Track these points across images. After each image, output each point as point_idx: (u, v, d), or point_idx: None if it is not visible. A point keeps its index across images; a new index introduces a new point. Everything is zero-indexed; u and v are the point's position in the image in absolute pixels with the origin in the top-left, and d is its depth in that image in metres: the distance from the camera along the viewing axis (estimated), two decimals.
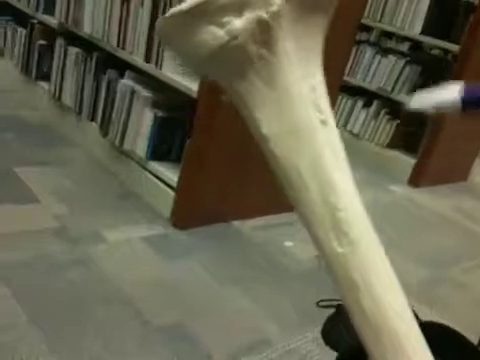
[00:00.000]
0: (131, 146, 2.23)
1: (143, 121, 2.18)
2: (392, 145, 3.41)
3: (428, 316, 1.83)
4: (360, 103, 3.54)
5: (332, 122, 0.50)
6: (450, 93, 0.74)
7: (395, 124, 3.39)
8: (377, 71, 3.44)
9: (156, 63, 2.12)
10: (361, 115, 3.52)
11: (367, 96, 3.52)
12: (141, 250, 1.86)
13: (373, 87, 3.44)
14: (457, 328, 1.79)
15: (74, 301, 1.53)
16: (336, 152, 0.48)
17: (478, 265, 2.43)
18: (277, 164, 0.48)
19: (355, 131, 3.54)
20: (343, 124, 3.60)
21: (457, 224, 2.86)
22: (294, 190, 0.47)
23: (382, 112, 3.44)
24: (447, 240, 2.62)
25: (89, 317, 1.48)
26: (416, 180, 3.21)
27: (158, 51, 2.12)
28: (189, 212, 2.07)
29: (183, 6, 0.47)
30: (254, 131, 0.49)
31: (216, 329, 1.57)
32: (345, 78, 3.14)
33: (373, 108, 3.47)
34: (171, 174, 2.10)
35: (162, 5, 2.07)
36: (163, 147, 2.20)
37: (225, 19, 0.46)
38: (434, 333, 0.91)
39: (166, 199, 2.07)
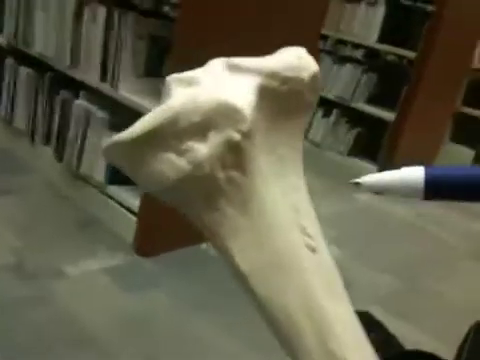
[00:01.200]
0: (89, 170, 2.14)
1: (100, 144, 2.09)
2: (353, 153, 3.42)
3: (403, 329, 1.82)
4: (320, 112, 3.54)
5: (322, 247, 0.41)
6: (410, 174, 0.64)
7: (355, 132, 3.39)
8: (335, 80, 3.45)
9: (111, 82, 2.04)
10: (321, 124, 3.52)
11: (327, 105, 3.51)
12: (104, 283, 1.76)
13: (332, 96, 3.45)
14: (431, 339, 1.77)
15: (36, 344, 1.44)
16: (331, 284, 0.40)
17: (446, 271, 2.44)
18: (260, 305, 0.39)
19: (316, 140, 3.54)
20: (304, 134, 3.58)
21: (423, 230, 2.87)
22: (285, 336, 0.39)
23: (342, 121, 3.45)
24: (414, 248, 2.63)
25: (53, 359, 1.39)
26: None
27: (113, 69, 2.03)
28: (152, 237, 1.99)
29: (131, 132, 0.37)
30: (229, 266, 0.41)
31: None
32: None
33: (333, 117, 3.47)
34: (132, 198, 2.02)
35: (116, 21, 1.99)
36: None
37: (186, 145, 0.37)
38: None
39: (128, 225, 1.99)
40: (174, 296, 1.77)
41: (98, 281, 1.77)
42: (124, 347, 1.50)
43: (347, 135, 3.41)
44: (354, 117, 3.41)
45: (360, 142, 3.42)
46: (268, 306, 0.38)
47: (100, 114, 2.10)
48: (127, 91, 2.00)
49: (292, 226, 0.39)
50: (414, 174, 0.71)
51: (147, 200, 1.94)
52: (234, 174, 0.37)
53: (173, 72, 0.40)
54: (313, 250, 0.39)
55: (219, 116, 0.37)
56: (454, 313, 2.03)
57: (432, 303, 2.11)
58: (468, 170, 0.75)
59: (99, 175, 2.10)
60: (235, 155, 0.37)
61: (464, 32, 3.22)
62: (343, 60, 3.48)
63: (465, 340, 1.05)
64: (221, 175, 0.37)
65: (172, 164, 0.37)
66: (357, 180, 0.66)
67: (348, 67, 3.38)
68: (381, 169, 2.83)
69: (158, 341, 1.55)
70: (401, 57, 3.46)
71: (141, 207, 1.96)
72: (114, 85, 2.02)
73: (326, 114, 3.51)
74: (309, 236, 0.40)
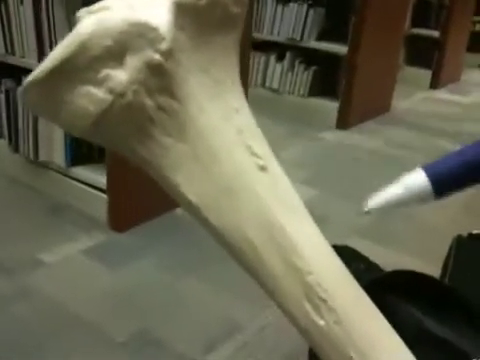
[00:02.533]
0: (47, 156, 2.07)
1: (54, 127, 2.01)
2: (313, 93, 3.39)
3: (384, 253, 1.84)
4: (273, 57, 3.48)
5: (272, 163, 0.40)
6: (415, 182, 0.59)
7: (312, 71, 3.36)
8: (283, 21, 3.38)
9: None
10: (277, 69, 3.47)
11: (279, 49, 3.45)
12: (85, 265, 1.73)
13: (282, 38, 3.38)
14: (413, 260, 1.81)
15: (26, 337, 1.41)
16: (286, 199, 0.38)
17: None
18: (218, 235, 0.36)
19: (274, 86, 3.49)
20: (261, 82, 3.53)
21: (392, 157, 2.90)
22: (248, 261, 0.36)
23: (296, 62, 3.40)
24: (386, 176, 2.64)
25: (47, 351, 1.37)
26: (343, 122, 3.22)
27: (51, 49, 1.94)
28: (126, 211, 1.96)
29: (42, 67, 0.35)
30: (177, 199, 0.38)
31: (182, 327, 1.50)
32: (253, 34, 3.06)
33: (287, 60, 3.42)
34: (98, 176, 1.97)
35: None
36: (82, 150, 2.06)
37: (102, 74, 0.34)
38: (404, 280, 0.88)
39: (98, 204, 1.94)
40: (157, 265, 1.76)
41: (79, 264, 1.74)
42: (117, 324, 1.49)
43: (304, 76, 3.37)
44: (308, 56, 3.36)
45: (318, 81, 3.38)
46: (225, 233, 0.36)
47: None
48: None
49: (237, 148, 0.37)
50: (417, 180, 0.65)
51: (114, 175, 1.90)
52: (163, 100, 0.35)
53: None
54: (263, 169, 0.37)
55: (133, 37, 0.34)
56: (430, 232, 2.07)
57: (408, 225, 2.14)
58: (461, 155, 0.71)
59: (59, 159, 2.04)
60: (160, 78, 0.35)
61: None
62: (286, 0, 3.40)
63: (448, 256, 1.06)
64: (149, 102, 0.34)
65: (91, 97, 0.35)
66: (365, 209, 0.61)
67: (292, 6, 3.30)
68: (342, 105, 2.80)
69: (149, 313, 1.54)
70: None
71: (109, 183, 1.92)
72: None
73: (279, 58, 3.45)
74: (257, 156, 0.38)
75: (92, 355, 1.37)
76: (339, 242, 1.18)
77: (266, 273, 0.36)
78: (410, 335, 0.91)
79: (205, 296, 1.62)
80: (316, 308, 0.36)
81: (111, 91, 0.35)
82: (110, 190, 1.92)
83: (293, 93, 3.43)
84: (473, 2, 4.63)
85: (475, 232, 1.09)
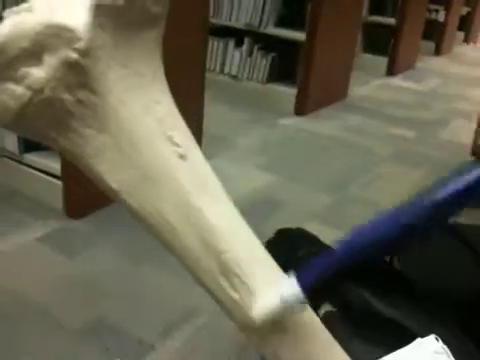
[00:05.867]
0: None
1: None
2: (271, 79, 3.41)
3: (339, 237, 1.89)
4: (232, 43, 3.48)
5: (193, 152, 0.42)
6: (288, 289, 0.60)
7: (270, 58, 3.37)
8: (241, 7, 3.37)
9: None
10: (235, 55, 3.47)
11: (237, 35, 3.45)
12: (41, 253, 1.71)
13: (240, 25, 3.38)
14: None
15: None
16: (205, 185, 0.40)
17: (373, 178, 2.54)
18: (139, 218, 0.40)
19: (233, 73, 3.49)
20: (220, 68, 3.52)
21: (348, 142, 2.95)
22: (168, 241, 0.40)
23: (255, 48, 3.41)
24: (343, 161, 2.71)
25: (1, 340, 1.35)
26: (301, 109, 3.25)
27: None
28: (81, 198, 1.93)
29: None
30: (100, 185, 0.41)
31: (140, 312, 1.50)
32: (211, 20, 3.04)
33: (245, 46, 3.42)
34: (52, 162, 1.93)
35: None
36: None
37: (21, 72, 0.37)
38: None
39: (53, 190, 1.92)
40: (115, 252, 1.75)
41: (35, 252, 1.71)
42: (74, 313, 1.48)
43: (262, 62, 3.38)
44: (266, 43, 3.37)
45: (277, 67, 3.40)
46: (145, 217, 0.39)
47: None
48: None
49: (157, 137, 0.39)
50: (292, 292, 0.66)
51: (68, 161, 1.87)
52: (82, 94, 0.38)
53: None
54: (182, 157, 0.40)
55: (51, 38, 0.37)
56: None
57: (363, 210, 2.20)
58: (333, 262, 0.74)
59: (11, 145, 1.99)
60: (78, 75, 0.37)
61: None
62: None
63: None
64: (67, 97, 0.37)
65: (11, 93, 0.37)
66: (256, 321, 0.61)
67: None
68: (300, 91, 2.83)
69: (106, 299, 1.54)
70: None
71: (63, 169, 1.89)
72: None
73: (238, 44, 3.45)
74: (177, 145, 0.40)
75: (48, 343, 1.36)
76: (295, 226, 1.21)
77: (185, 252, 0.40)
78: (359, 315, 0.95)
79: (161, 282, 1.63)
80: (231, 283, 0.40)
81: (29, 87, 0.38)
82: (65, 176, 1.89)
83: (252, 79, 3.44)
84: None
85: None
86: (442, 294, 0.94)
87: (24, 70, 0.37)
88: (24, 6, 0.39)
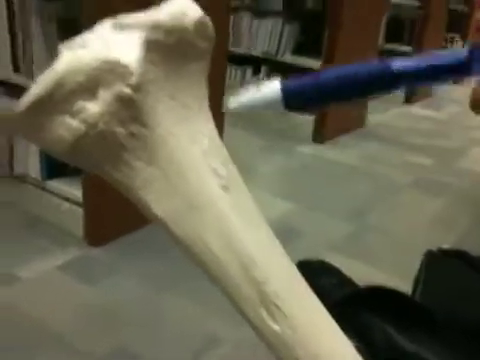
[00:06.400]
0: (23, 169, 2.06)
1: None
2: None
3: (358, 268, 1.87)
4: (249, 71, 3.52)
5: (236, 183, 0.44)
6: (269, 91, 0.70)
7: None
8: (258, 35, 3.43)
9: (26, 72, 1.95)
10: (252, 83, 3.51)
11: (254, 63, 3.50)
12: (62, 281, 1.72)
13: (258, 52, 3.43)
14: (387, 275, 1.84)
15: (2, 354, 1.40)
16: (246, 215, 0.42)
17: (392, 206, 2.53)
18: (183, 246, 0.42)
19: None
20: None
21: (366, 170, 2.95)
22: (210, 270, 0.41)
23: (272, 76, 3.45)
24: (361, 189, 2.70)
25: None
26: (319, 137, 3.27)
27: (24, 58, 1.94)
28: (102, 226, 1.95)
29: (26, 101, 0.39)
30: (147, 215, 0.43)
31: (161, 342, 1.50)
32: (231, 48, 3.09)
33: (262, 74, 3.47)
34: (74, 190, 1.96)
35: (17, 7, 1.89)
36: (58, 162, 2.05)
37: (77, 106, 0.38)
38: (376, 296, 0.90)
39: (74, 217, 1.94)
40: (135, 280, 1.76)
41: (55, 279, 1.73)
42: (95, 342, 1.48)
43: None
44: (283, 70, 3.41)
45: None
46: (189, 246, 0.41)
47: None
48: None
49: (203, 168, 0.41)
50: (272, 89, 0.76)
51: (90, 188, 1.90)
52: (134, 128, 0.39)
53: None
54: (225, 188, 0.42)
55: (106, 73, 0.38)
56: (404, 247, 2.11)
57: (382, 240, 2.18)
58: (315, 77, 0.82)
59: (35, 172, 2.03)
60: (130, 109, 0.39)
61: None
62: (262, 14, 3.45)
63: (419, 271, 1.10)
64: (120, 130, 0.39)
65: (67, 126, 0.39)
66: (224, 109, 0.72)
67: (269, 20, 3.36)
68: (318, 119, 2.85)
69: (128, 328, 1.54)
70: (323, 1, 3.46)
71: (85, 196, 1.91)
72: (30, 76, 1.94)
73: (255, 72, 3.50)
74: (220, 177, 0.42)
75: None
76: (314, 256, 1.21)
77: (226, 281, 0.41)
78: (381, 349, 0.94)
79: (184, 311, 1.63)
80: (271, 314, 0.40)
81: (84, 121, 0.39)
82: (86, 204, 1.92)
83: None
84: (445, 18, 4.75)
85: (445, 247, 1.12)
86: (463, 327, 0.93)
87: (80, 104, 0.39)
88: (78, 41, 0.41)
